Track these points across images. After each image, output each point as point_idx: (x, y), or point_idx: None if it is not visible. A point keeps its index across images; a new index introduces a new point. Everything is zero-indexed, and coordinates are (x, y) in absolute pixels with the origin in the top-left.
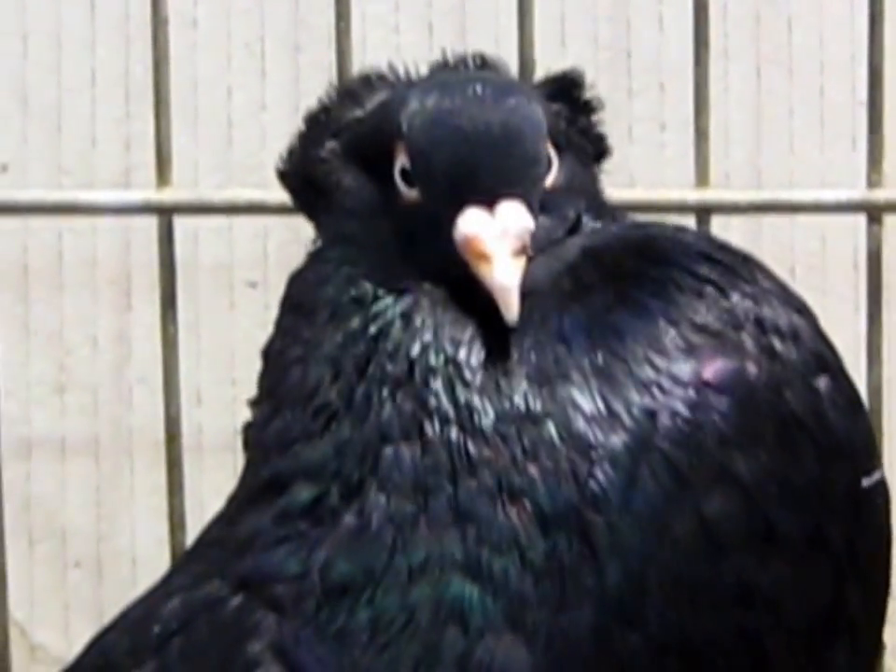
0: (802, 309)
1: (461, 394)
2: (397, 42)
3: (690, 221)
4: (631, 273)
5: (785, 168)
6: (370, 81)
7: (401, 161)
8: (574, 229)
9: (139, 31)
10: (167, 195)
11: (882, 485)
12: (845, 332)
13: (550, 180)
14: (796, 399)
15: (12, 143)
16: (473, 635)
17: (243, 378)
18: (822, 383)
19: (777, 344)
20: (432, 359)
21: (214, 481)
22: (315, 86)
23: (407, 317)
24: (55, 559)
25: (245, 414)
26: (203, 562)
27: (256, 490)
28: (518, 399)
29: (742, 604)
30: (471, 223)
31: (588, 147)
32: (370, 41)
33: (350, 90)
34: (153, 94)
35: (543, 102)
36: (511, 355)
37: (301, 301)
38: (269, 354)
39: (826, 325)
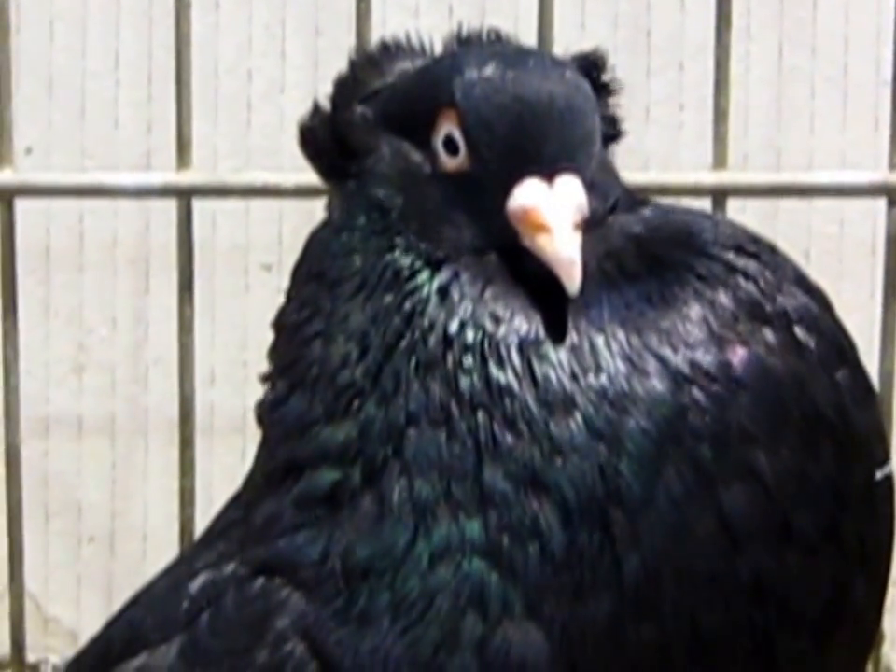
0: (822, 300)
1: (495, 376)
2: (416, 25)
3: (706, 204)
4: (674, 263)
5: (805, 149)
6: (389, 49)
7: (446, 128)
8: (612, 209)
9: (162, 15)
10: (186, 178)
11: (891, 477)
12: (859, 317)
13: None
14: (819, 394)
15: (37, 126)
16: (492, 621)
17: (255, 360)
18: (842, 376)
19: (803, 338)
20: (469, 337)
21: (224, 461)
22: (335, 69)
23: (444, 292)
24: (70, 534)
25: (257, 396)
26: (226, 541)
27: (274, 473)
28: (551, 387)
29: (754, 598)
30: (531, 193)
31: (607, 129)
32: (389, 24)
33: (371, 56)
34: (174, 78)
35: None
36: (554, 331)
37: (322, 270)
38: (283, 326)
39: (840, 309)
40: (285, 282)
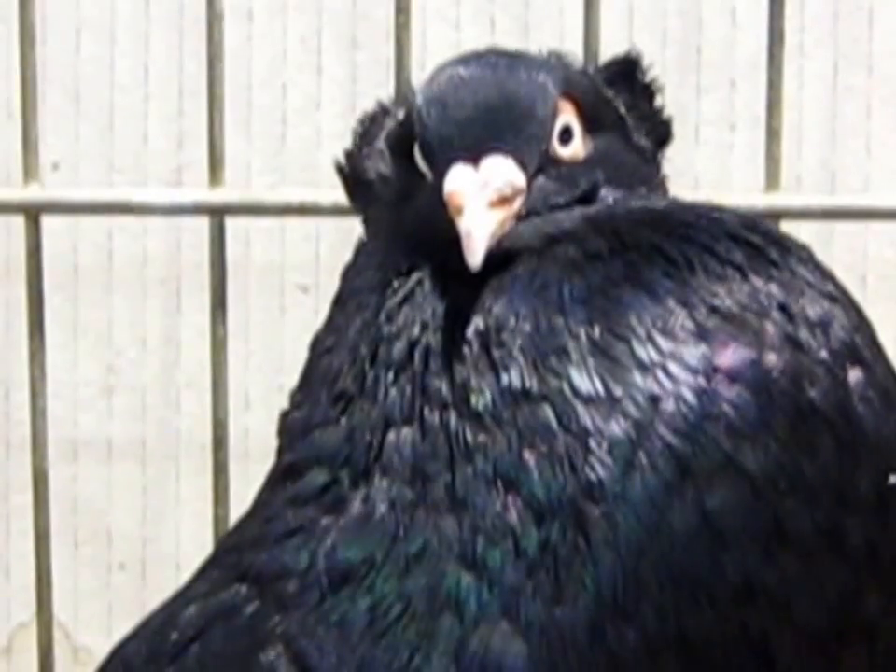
0: (838, 298)
1: (458, 372)
2: (457, 38)
3: None
4: (643, 245)
5: (861, 171)
6: None
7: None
8: (587, 200)
9: (193, 26)
10: (219, 195)
11: None
12: None
13: (569, 151)
14: (818, 391)
15: (64, 141)
16: (468, 624)
17: (291, 383)
18: (853, 375)
19: (803, 334)
20: (430, 338)
21: (259, 486)
22: (373, 83)
23: (408, 298)
24: (100, 561)
25: None
26: (220, 568)
27: (277, 476)
28: (514, 377)
29: (745, 601)
30: (453, 178)
31: (648, 132)
32: (430, 36)
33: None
34: (206, 91)
35: (583, 80)
36: (513, 319)
37: (340, 292)
38: (311, 344)
39: None
40: (322, 303)
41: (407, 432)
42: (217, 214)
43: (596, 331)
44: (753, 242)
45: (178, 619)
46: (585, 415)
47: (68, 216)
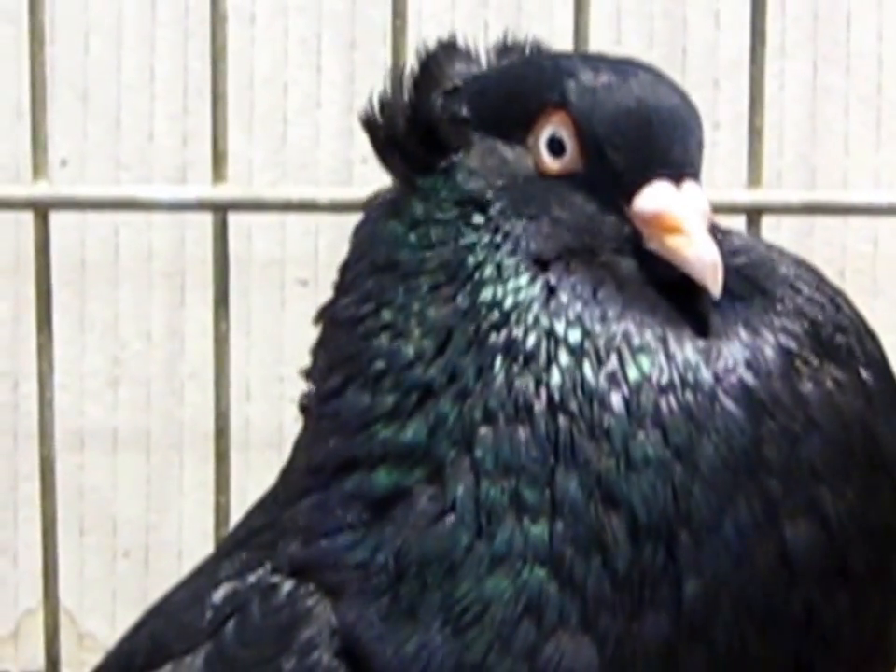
0: (881, 346)
1: (589, 379)
2: None
3: (740, 222)
4: (765, 290)
5: (839, 168)
6: (450, 50)
7: (551, 129)
8: None
9: (198, 27)
10: (222, 192)
11: None
12: (893, 336)
13: None
14: (883, 438)
15: (72, 139)
16: (546, 630)
17: (291, 375)
18: None
19: (868, 382)
20: (574, 337)
21: (259, 477)
22: (370, 83)
23: (553, 291)
24: (105, 549)
25: (293, 412)
26: (249, 550)
27: (322, 467)
28: (639, 398)
29: (803, 632)
30: (663, 196)
31: None
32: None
33: (439, 54)
34: (210, 91)
35: None
36: (660, 339)
37: (394, 262)
38: (337, 319)
39: (875, 328)
40: (321, 297)
41: (507, 429)
42: (220, 210)
43: (720, 368)
44: (827, 291)
45: (210, 598)
46: (695, 444)
47: (75, 212)
